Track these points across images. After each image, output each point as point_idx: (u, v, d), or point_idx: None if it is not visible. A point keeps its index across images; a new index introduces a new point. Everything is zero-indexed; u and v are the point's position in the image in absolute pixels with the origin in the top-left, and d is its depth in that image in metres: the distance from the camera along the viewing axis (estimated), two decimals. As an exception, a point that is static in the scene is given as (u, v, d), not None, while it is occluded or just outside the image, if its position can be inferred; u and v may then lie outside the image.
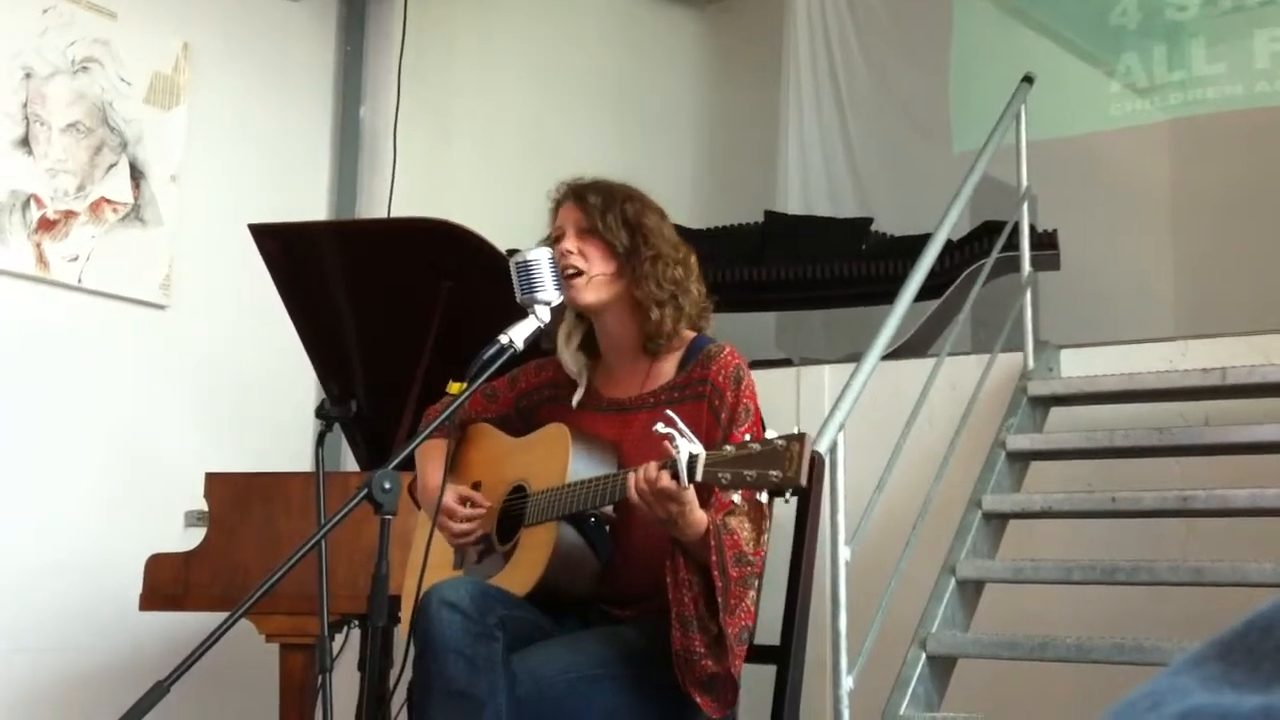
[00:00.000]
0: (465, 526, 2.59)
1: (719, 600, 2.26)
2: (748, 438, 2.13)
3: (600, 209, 2.52)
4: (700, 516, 2.25)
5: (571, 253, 2.51)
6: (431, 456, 2.69)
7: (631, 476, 2.25)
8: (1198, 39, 5.45)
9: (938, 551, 3.55)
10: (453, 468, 2.75)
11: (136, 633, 4.15)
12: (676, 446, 2.12)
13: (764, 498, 2.17)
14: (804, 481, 2.07)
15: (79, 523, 4.30)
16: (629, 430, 2.53)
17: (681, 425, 2.14)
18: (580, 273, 2.51)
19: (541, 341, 2.54)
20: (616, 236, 2.51)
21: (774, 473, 2.05)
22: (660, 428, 2.14)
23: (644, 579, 2.43)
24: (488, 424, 2.77)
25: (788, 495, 2.13)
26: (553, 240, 2.56)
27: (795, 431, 2.08)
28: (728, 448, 2.12)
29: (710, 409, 2.46)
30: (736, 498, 2.26)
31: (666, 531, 2.29)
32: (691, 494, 2.20)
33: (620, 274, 2.53)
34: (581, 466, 2.47)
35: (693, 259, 2.60)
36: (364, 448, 3.76)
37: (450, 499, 2.60)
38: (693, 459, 2.13)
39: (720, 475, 2.10)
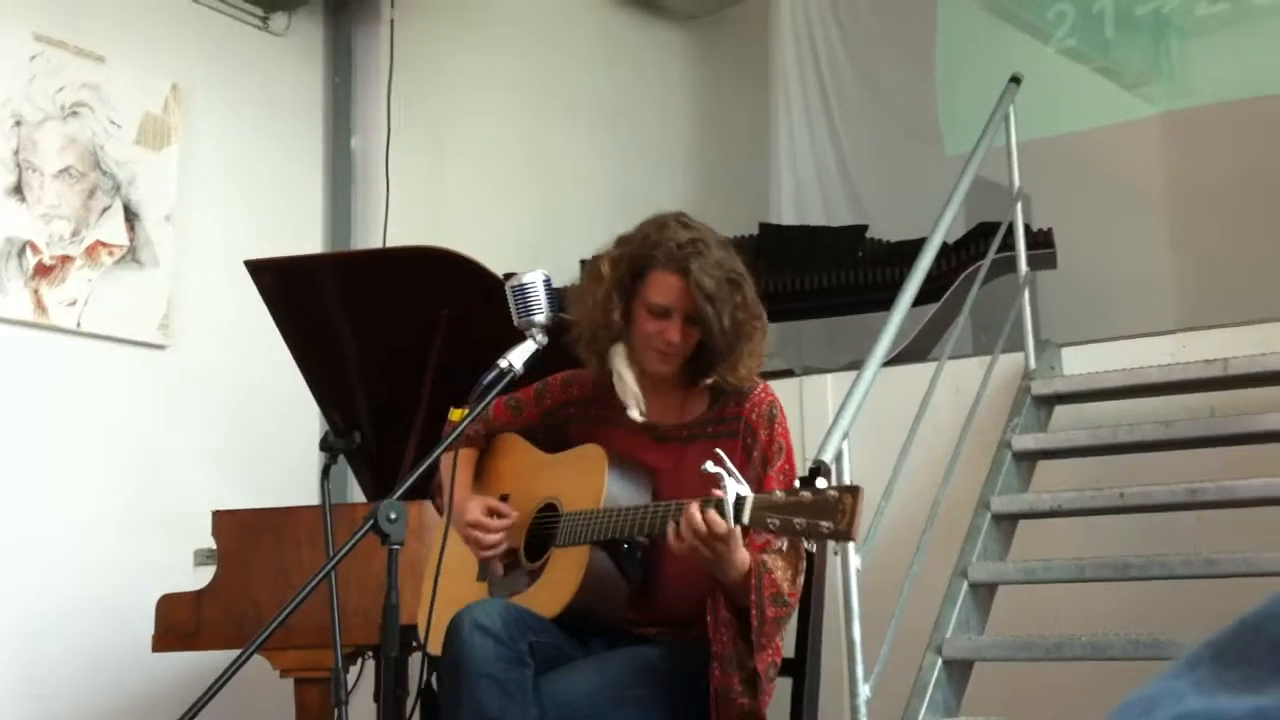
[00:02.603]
0: (494, 539, 2.57)
1: (754, 638, 2.26)
2: (796, 484, 2.12)
3: (716, 313, 2.42)
4: (744, 556, 2.24)
5: (675, 342, 2.46)
6: (459, 466, 2.66)
7: (670, 526, 2.23)
8: (1184, 32, 5.46)
9: (949, 555, 3.54)
10: (481, 477, 2.73)
11: (151, 674, 4.14)
12: (724, 487, 2.11)
13: (811, 546, 2.15)
14: (856, 536, 2.05)
15: (88, 567, 4.30)
16: (666, 458, 2.52)
17: (730, 465, 2.13)
18: (676, 355, 2.49)
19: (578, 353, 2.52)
20: (725, 340, 2.45)
21: (825, 524, 2.03)
22: (710, 467, 2.12)
23: (673, 604, 2.44)
24: (518, 435, 2.75)
25: (835, 548, 2.11)
26: (652, 313, 2.47)
27: (849, 483, 2.07)
28: (778, 493, 2.11)
29: (744, 447, 2.45)
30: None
31: (698, 562, 2.27)
32: (737, 534, 2.19)
33: (705, 355, 2.49)
34: (617, 491, 2.45)
35: (766, 334, 2.55)
36: (370, 478, 3.76)
37: (478, 512, 2.58)
38: (740, 501, 2.12)
39: (769, 520, 2.09)
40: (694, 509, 2.18)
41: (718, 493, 2.13)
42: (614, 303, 2.50)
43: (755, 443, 2.45)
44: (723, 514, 2.13)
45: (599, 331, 2.51)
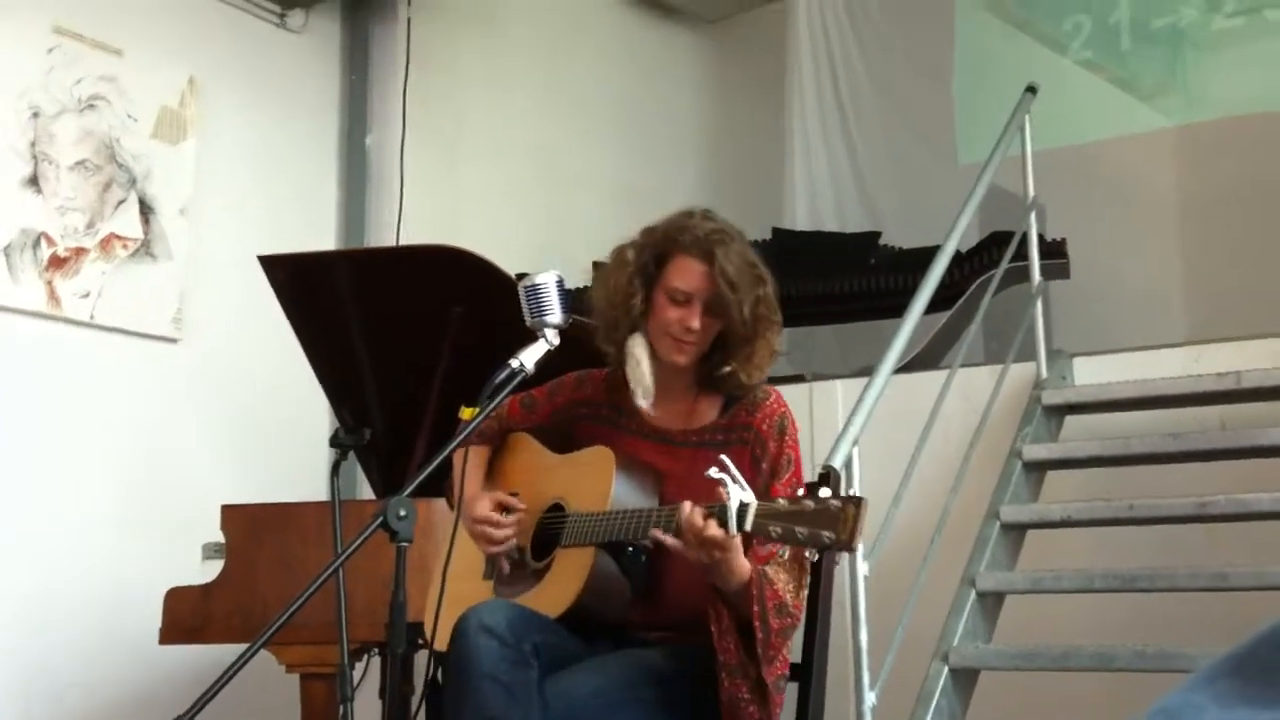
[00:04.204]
0: (505, 534, 2.57)
1: (759, 651, 2.26)
2: (800, 492, 2.12)
3: (738, 301, 2.43)
4: (744, 565, 2.24)
5: (694, 329, 2.46)
6: (470, 463, 2.66)
7: (676, 521, 2.23)
8: (1200, 45, 5.45)
9: (957, 564, 3.54)
10: (491, 475, 2.74)
11: (157, 666, 4.15)
12: (728, 493, 2.11)
13: (813, 556, 2.15)
14: (857, 546, 2.05)
15: (97, 559, 4.31)
16: (674, 464, 2.51)
17: (734, 471, 2.12)
18: (695, 344, 2.49)
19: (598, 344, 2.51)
20: (745, 329, 2.46)
21: (827, 533, 2.03)
22: (713, 472, 2.12)
23: (677, 609, 2.43)
24: (527, 434, 2.75)
25: (838, 558, 2.10)
26: (674, 300, 2.47)
27: (852, 494, 2.07)
28: (780, 501, 2.10)
29: (752, 457, 2.45)
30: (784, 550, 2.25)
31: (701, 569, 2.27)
32: (738, 542, 2.19)
33: (722, 348, 2.50)
34: (624, 493, 2.45)
35: (781, 332, 2.55)
36: (379, 475, 3.76)
37: (488, 507, 2.58)
38: (743, 508, 2.11)
39: (771, 528, 2.08)
40: (695, 512, 2.18)
41: (724, 496, 2.13)
42: (635, 288, 2.50)
43: (764, 454, 2.45)
44: (725, 520, 2.12)
45: (620, 319, 2.51)
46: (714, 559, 2.19)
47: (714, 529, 2.15)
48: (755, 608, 2.24)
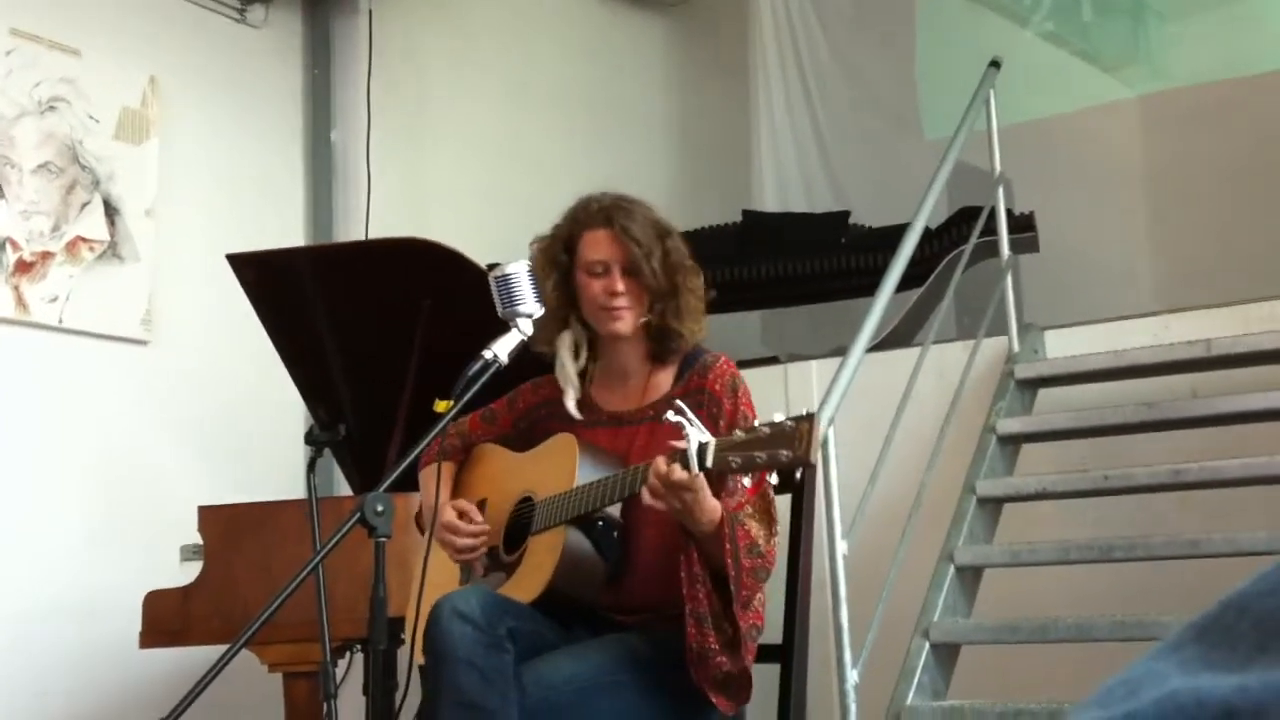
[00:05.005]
0: (469, 541, 2.59)
1: (731, 589, 2.28)
2: (756, 423, 2.15)
3: (645, 253, 2.53)
4: (714, 504, 2.27)
5: (622, 293, 2.54)
6: (432, 480, 2.69)
7: (645, 474, 2.26)
8: (1162, 15, 5.48)
9: (935, 540, 3.55)
10: (458, 488, 2.76)
11: (138, 670, 4.13)
12: (687, 435, 2.15)
13: (774, 479, 2.18)
14: (814, 459, 2.11)
15: (74, 564, 4.28)
16: (632, 443, 2.55)
17: (691, 415, 2.17)
18: (627, 309, 2.55)
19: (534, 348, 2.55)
20: (658, 280, 2.54)
21: (784, 452, 2.07)
22: (671, 416, 2.17)
23: (652, 586, 2.45)
24: (490, 443, 2.78)
25: (799, 474, 2.14)
26: (592, 273, 2.56)
27: (803, 413, 2.10)
28: (737, 432, 2.15)
29: (709, 418, 2.47)
30: (747, 482, 2.27)
31: (675, 538, 2.31)
32: (703, 481, 2.22)
33: (652, 307, 2.57)
34: (589, 469, 2.48)
35: (701, 278, 2.64)
36: (356, 471, 3.75)
37: (449, 516, 2.61)
38: (703, 447, 2.16)
39: (731, 459, 2.13)
40: (659, 460, 2.22)
41: (680, 444, 2.16)
42: (555, 282, 2.57)
43: (720, 413, 2.48)
44: (687, 463, 2.16)
45: (549, 319, 2.53)
46: (684, 502, 2.22)
47: (679, 472, 2.18)
48: (726, 545, 2.28)
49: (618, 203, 2.60)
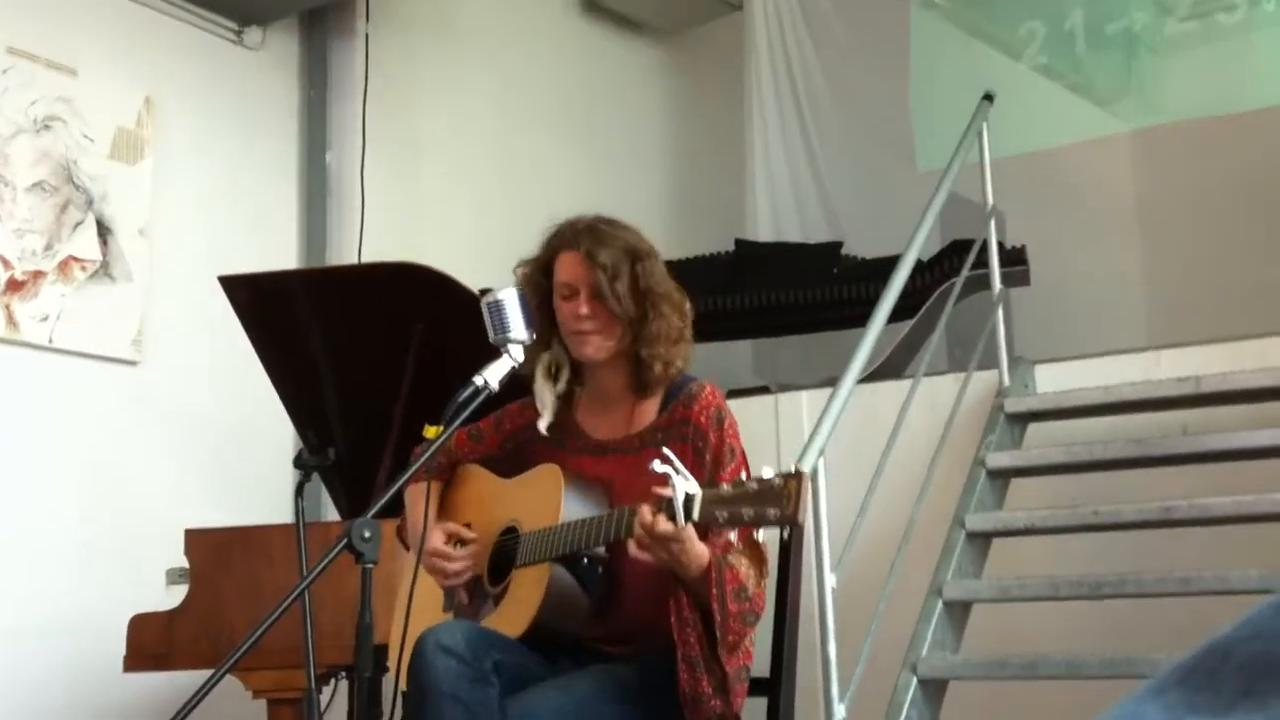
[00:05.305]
0: (458, 566, 2.58)
1: (717, 634, 2.26)
2: (743, 476, 2.13)
3: (611, 277, 2.50)
4: (701, 550, 2.25)
5: (586, 317, 2.52)
6: (419, 499, 2.69)
7: (629, 520, 2.24)
8: (1155, 49, 5.50)
9: (923, 573, 3.54)
10: (443, 509, 2.74)
11: (122, 694, 4.10)
12: (673, 485, 2.13)
13: (761, 536, 2.17)
14: (802, 519, 2.07)
15: (59, 585, 4.26)
16: (618, 472, 2.53)
17: (678, 464, 2.14)
18: (594, 333, 2.53)
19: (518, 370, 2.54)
20: (627, 305, 2.51)
21: (772, 510, 2.05)
22: (657, 466, 2.14)
23: (637, 617, 2.44)
24: (476, 465, 2.77)
25: (785, 533, 2.12)
26: (562, 296, 2.55)
27: (792, 470, 2.09)
28: (724, 486, 2.13)
29: (694, 450, 2.46)
30: (734, 536, 2.26)
31: (662, 573, 2.29)
32: (690, 530, 2.20)
33: (625, 333, 2.54)
34: (574, 507, 2.46)
35: (688, 304, 2.62)
36: (344, 495, 3.74)
37: (439, 540, 2.59)
38: (689, 499, 2.13)
39: (717, 514, 2.10)
40: (645, 510, 2.19)
41: (666, 492, 2.14)
42: (537, 304, 2.55)
43: (705, 445, 2.47)
44: (673, 514, 2.14)
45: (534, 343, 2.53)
46: (670, 552, 2.21)
47: (664, 524, 2.16)
48: (714, 590, 2.26)
49: (593, 225, 2.58)
